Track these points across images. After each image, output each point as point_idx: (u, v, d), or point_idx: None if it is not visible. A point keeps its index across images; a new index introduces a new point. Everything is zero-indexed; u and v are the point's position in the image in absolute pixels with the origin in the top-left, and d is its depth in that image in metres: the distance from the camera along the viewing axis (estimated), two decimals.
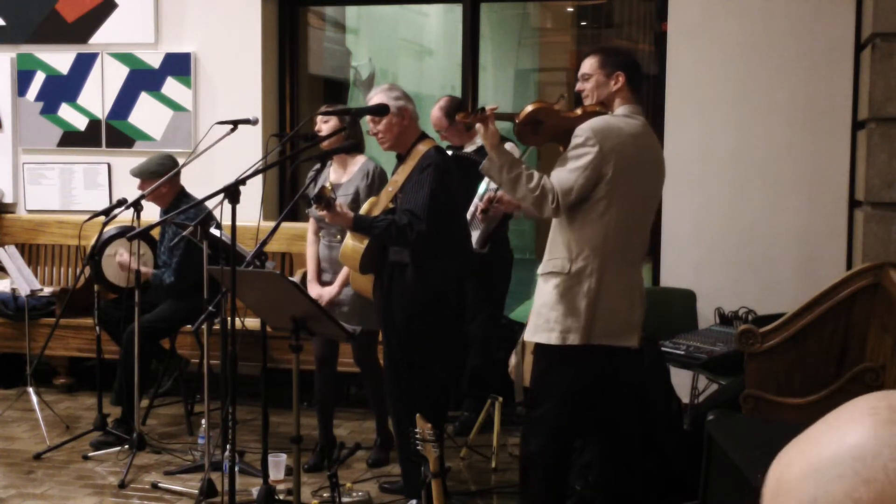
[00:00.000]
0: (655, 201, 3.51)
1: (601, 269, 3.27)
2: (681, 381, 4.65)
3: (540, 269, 3.41)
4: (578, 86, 3.43)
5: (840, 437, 0.67)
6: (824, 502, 0.65)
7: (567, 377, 3.35)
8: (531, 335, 3.41)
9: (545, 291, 3.34)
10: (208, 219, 3.91)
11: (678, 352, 4.29)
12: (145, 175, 4.96)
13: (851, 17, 5.18)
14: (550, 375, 3.38)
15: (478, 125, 3.28)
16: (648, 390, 3.88)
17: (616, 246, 3.30)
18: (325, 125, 4.45)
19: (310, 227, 4.66)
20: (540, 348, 3.40)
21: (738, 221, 5.40)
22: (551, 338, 3.30)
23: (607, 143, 3.23)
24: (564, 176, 3.24)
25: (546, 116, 3.33)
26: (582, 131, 3.25)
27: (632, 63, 3.43)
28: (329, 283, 4.47)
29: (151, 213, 5.08)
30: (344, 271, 4.31)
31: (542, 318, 3.33)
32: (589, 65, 3.40)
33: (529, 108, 3.33)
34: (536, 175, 3.25)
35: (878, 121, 4.50)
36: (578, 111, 3.38)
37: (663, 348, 4.25)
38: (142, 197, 4.69)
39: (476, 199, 4.70)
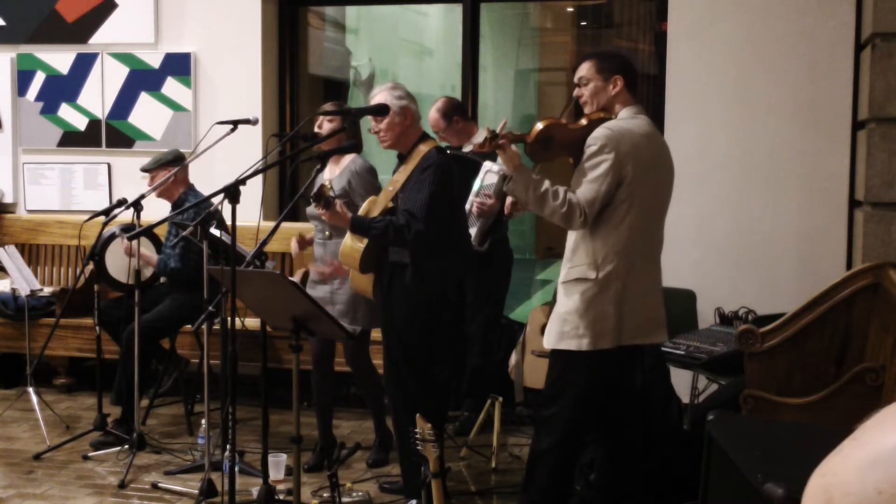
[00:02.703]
0: (670, 196, 3.51)
1: (626, 271, 3.28)
2: (681, 381, 4.65)
3: (563, 278, 3.38)
4: (576, 91, 3.43)
5: (891, 432, 0.70)
6: (890, 486, 0.67)
7: (587, 379, 3.35)
8: (555, 343, 3.36)
9: (571, 299, 3.31)
10: (209, 218, 3.90)
11: (678, 352, 4.29)
12: (161, 163, 4.97)
13: (851, 17, 5.18)
14: (570, 376, 3.36)
15: (497, 151, 3.26)
16: (648, 390, 3.88)
17: (638, 246, 3.31)
18: (329, 124, 4.43)
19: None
20: (562, 352, 3.37)
21: (738, 221, 5.39)
22: (582, 344, 3.29)
23: (622, 147, 3.23)
24: (586, 187, 3.24)
25: (555, 132, 3.32)
26: (595, 140, 3.24)
27: (628, 65, 3.43)
28: (318, 282, 4.44)
29: (151, 213, 5.08)
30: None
31: (570, 324, 3.30)
32: (585, 70, 3.39)
33: (539, 126, 3.30)
34: (562, 190, 3.24)
35: (878, 121, 4.50)
36: (584, 121, 3.36)
37: (663, 348, 4.24)
38: (142, 197, 4.68)
39: (472, 196, 4.71)
